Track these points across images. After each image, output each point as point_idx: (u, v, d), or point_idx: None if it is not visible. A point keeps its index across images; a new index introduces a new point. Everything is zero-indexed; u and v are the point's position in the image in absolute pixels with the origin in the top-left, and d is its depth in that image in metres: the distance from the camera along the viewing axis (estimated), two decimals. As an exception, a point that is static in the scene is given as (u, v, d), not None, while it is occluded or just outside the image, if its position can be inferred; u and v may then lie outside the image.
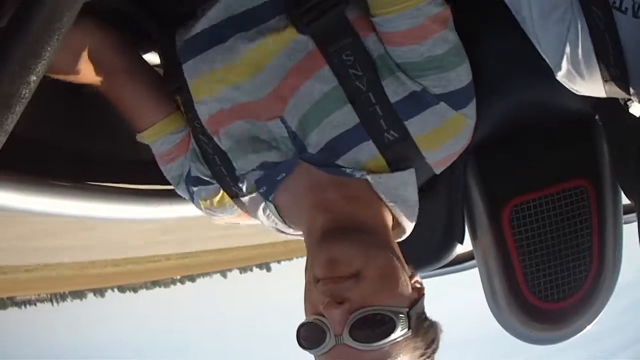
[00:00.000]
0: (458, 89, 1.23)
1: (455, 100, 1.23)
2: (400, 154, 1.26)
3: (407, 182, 1.27)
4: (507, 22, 1.22)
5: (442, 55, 1.20)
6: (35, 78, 0.77)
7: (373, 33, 1.22)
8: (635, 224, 1.28)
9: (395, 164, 1.27)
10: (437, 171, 1.32)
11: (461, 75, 1.24)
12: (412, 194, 1.29)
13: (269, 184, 1.30)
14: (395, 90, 1.22)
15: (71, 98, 1.38)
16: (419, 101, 1.22)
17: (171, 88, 1.38)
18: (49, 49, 0.77)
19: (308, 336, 1.15)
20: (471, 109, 1.27)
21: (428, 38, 1.18)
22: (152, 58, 1.53)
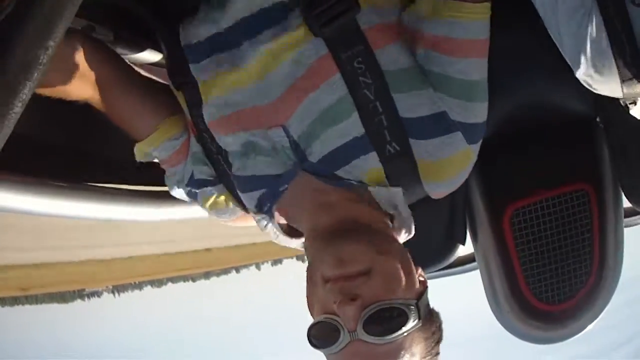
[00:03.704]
0: (476, 123, 1.15)
1: (471, 133, 1.15)
2: (400, 171, 1.16)
3: (402, 199, 1.18)
4: (508, 23, 1.14)
5: (473, 82, 1.13)
6: (53, 43, 0.70)
7: (390, 44, 1.13)
8: (637, 227, 1.13)
9: (394, 180, 1.17)
10: (433, 196, 1.23)
11: (481, 112, 1.16)
12: (404, 209, 1.19)
13: (271, 200, 1.22)
14: (412, 106, 1.12)
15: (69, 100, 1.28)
16: (438, 124, 1.13)
17: (176, 82, 1.30)
18: (69, 10, 0.70)
19: (320, 335, 1.08)
20: (478, 147, 1.19)
21: (468, 57, 1.11)
22: (152, 56, 1.48)
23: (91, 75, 1.26)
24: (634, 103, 1.36)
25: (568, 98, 1.20)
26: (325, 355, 1.09)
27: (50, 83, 1.20)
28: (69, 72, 1.23)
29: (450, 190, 1.21)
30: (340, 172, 1.15)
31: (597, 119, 1.41)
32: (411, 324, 1.05)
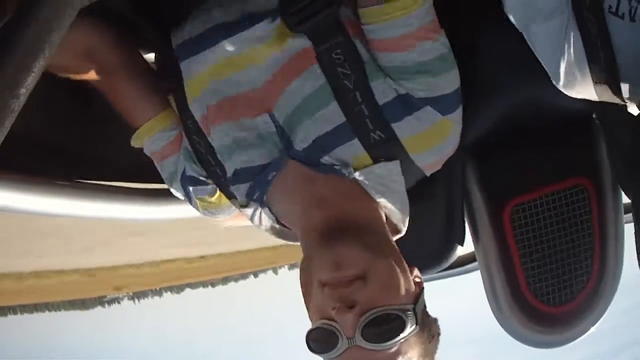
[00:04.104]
0: (445, 94, 1.15)
1: (442, 105, 1.15)
2: (387, 153, 1.18)
3: (392, 172, 1.18)
4: (504, 21, 1.12)
5: (431, 61, 1.13)
6: (24, 91, 0.72)
7: (363, 35, 1.15)
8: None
9: (382, 161, 1.19)
10: (427, 173, 1.23)
11: (449, 82, 1.16)
12: (400, 185, 1.20)
13: (260, 188, 1.23)
14: (383, 91, 1.15)
15: (71, 98, 1.31)
16: (405, 104, 1.14)
17: (165, 87, 1.33)
18: (39, 62, 0.73)
19: (319, 340, 1.09)
20: (458, 115, 1.19)
21: (418, 45, 1.11)
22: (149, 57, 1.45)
23: (98, 57, 1.28)
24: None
25: (565, 96, 1.19)
26: None
27: (57, 63, 1.21)
28: (76, 53, 1.25)
29: (441, 159, 1.21)
30: (325, 159, 1.17)
31: (594, 116, 1.40)
32: (409, 329, 1.06)
